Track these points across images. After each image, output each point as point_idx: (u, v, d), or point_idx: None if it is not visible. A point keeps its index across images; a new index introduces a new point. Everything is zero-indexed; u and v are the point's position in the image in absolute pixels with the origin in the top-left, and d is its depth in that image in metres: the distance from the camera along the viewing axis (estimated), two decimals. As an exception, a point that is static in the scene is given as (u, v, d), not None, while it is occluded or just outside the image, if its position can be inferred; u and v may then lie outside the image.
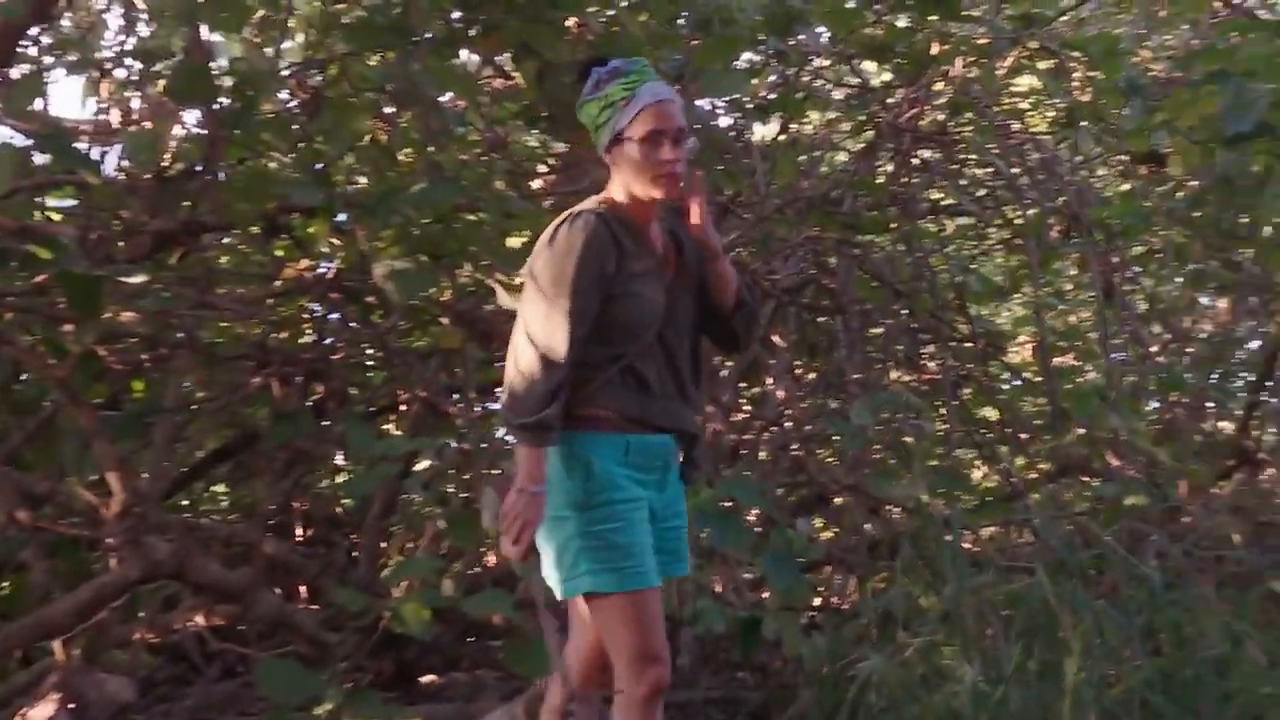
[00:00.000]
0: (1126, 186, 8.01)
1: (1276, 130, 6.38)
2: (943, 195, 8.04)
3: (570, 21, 6.29)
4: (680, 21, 6.14)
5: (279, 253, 6.64)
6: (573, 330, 3.87)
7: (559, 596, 4.02)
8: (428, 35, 5.87)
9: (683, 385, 4.08)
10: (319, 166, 6.05)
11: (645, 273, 3.98)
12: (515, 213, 5.97)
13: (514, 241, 7.11)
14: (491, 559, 6.75)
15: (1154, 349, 7.56)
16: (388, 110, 6.38)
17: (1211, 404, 7.47)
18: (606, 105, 3.94)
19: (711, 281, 4.15)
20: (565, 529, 3.94)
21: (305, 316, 6.73)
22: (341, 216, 6.05)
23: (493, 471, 6.16)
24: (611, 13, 6.15)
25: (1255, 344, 8.03)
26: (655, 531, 4.05)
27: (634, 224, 4.01)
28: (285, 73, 6.37)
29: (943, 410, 7.22)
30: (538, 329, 3.91)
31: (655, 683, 3.95)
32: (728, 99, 6.84)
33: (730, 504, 5.65)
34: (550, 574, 4.02)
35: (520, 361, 3.92)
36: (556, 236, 3.94)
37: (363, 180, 6.55)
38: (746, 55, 6.91)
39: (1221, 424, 7.98)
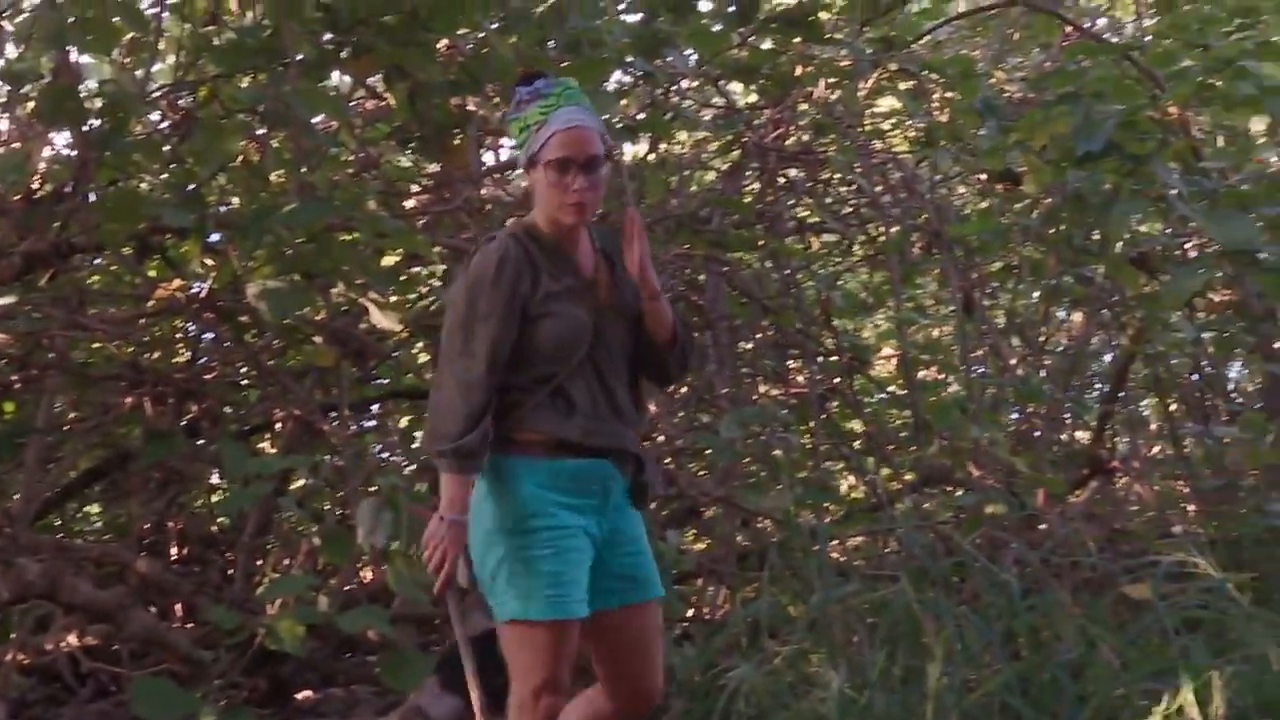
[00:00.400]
0: (984, 204, 8.23)
1: (1124, 150, 6.63)
2: (808, 213, 8.20)
3: (441, 43, 6.37)
4: (550, 44, 6.23)
5: (151, 273, 6.64)
6: (489, 355, 3.85)
7: (496, 621, 3.99)
8: (299, 57, 5.92)
9: (618, 407, 4.01)
10: (191, 187, 6.06)
11: (566, 293, 3.93)
12: (388, 232, 6.03)
13: (387, 260, 7.19)
14: (367, 575, 6.79)
15: (1012, 361, 7.76)
16: (259, 131, 6.39)
17: (1067, 414, 7.70)
18: (523, 127, 3.91)
19: (648, 320, 4.07)
20: (494, 554, 3.90)
21: (178, 336, 6.73)
22: (214, 236, 6.08)
23: (368, 489, 6.22)
24: (481, 35, 6.23)
25: (1108, 357, 8.28)
26: (606, 558, 4.00)
27: (555, 245, 3.95)
28: (156, 94, 6.38)
29: (810, 423, 7.37)
30: (454, 355, 3.89)
31: (547, 712, 3.91)
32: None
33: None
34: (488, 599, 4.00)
35: (440, 388, 3.91)
36: (471, 262, 3.94)
37: (235, 201, 6.57)
38: (616, 76, 7.04)
39: (1077, 434, 8.22)
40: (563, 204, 3.85)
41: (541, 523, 3.88)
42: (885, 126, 8.25)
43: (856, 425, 7.93)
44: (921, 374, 8.38)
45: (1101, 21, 9.06)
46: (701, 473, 7.66)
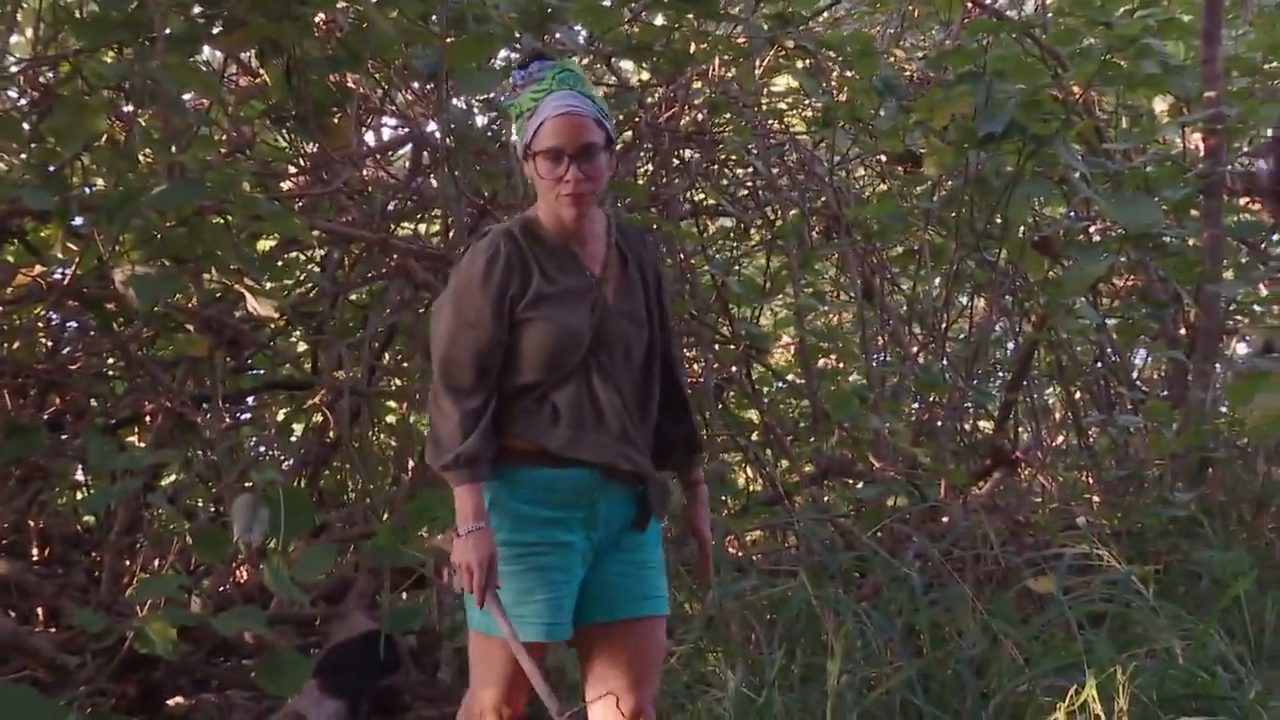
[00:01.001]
0: (884, 187, 8.22)
1: (1026, 130, 6.62)
2: (704, 196, 8.14)
3: (318, 18, 6.23)
4: (433, 18, 6.11)
5: (9, 258, 6.46)
6: (478, 362, 3.75)
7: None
8: (167, 31, 5.76)
9: (620, 417, 3.83)
10: (52, 168, 5.92)
11: (563, 295, 3.79)
12: (264, 215, 5.89)
13: (263, 245, 7.04)
14: (242, 574, 6.65)
15: (914, 349, 7.75)
16: (125, 109, 6.24)
17: (970, 404, 7.68)
18: (518, 115, 3.79)
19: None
20: None
21: (40, 325, 6.56)
22: (78, 220, 5.92)
23: (244, 484, 6.08)
24: (361, 9, 6.09)
25: (1011, 344, 8.29)
26: (602, 570, 3.88)
27: (557, 241, 3.82)
28: (14, 69, 6.21)
29: (706, 414, 7.31)
30: (443, 362, 3.79)
31: None
32: (483, 97, 6.83)
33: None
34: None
35: (435, 399, 3.81)
36: (460, 262, 3.84)
37: (100, 182, 6.40)
38: (503, 53, 6.92)
39: (980, 424, 8.22)
40: (558, 195, 3.72)
41: (514, 536, 3.78)
42: (782, 106, 8.20)
43: (754, 416, 7.86)
44: (821, 362, 8.36)
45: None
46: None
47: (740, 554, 6.81)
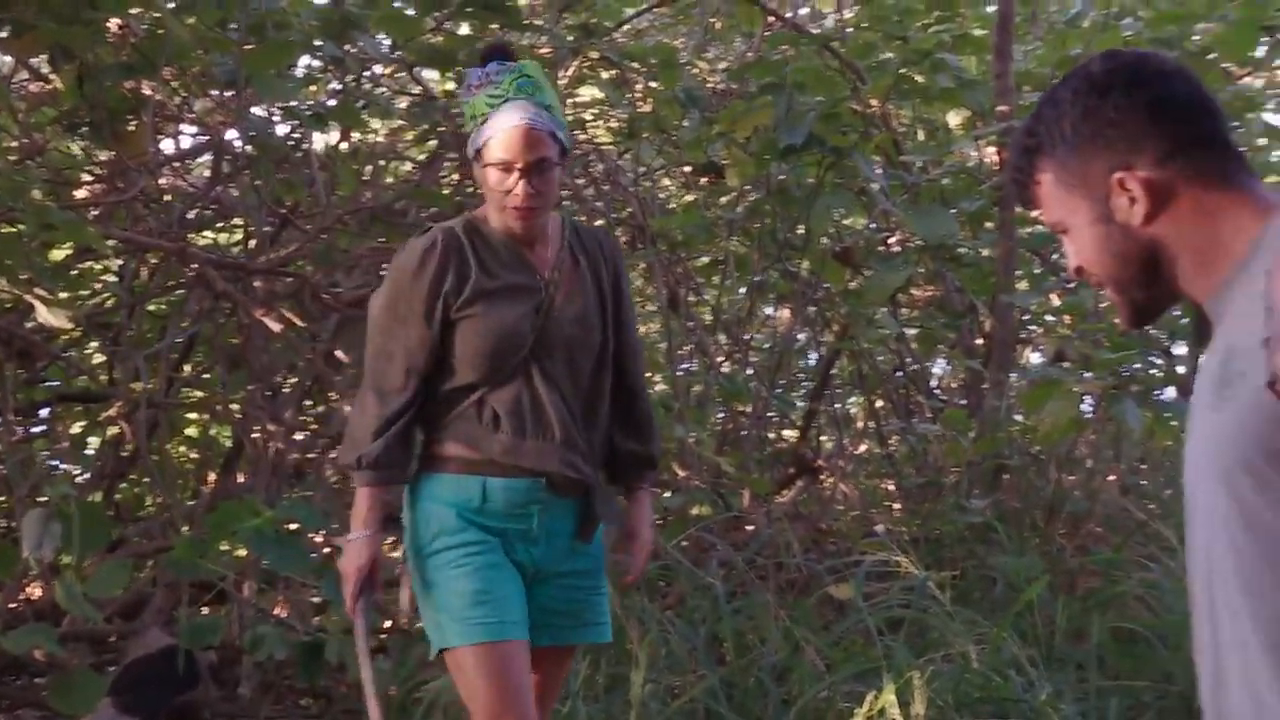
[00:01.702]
0: (689, 197, 8.32)
1: (826, 142, 6.77)
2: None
3: (112, 23, 6.15)
4: (232, 25, 6.06)
5: None
6: (406, 359, 3.66)
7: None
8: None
9: (564, 424, 3.71)
10: None
11: (504, 291, 3.69)
12: (56, 224, 5.79)
13: (56, 254, 6.92)
14: (34, 591, 6.52)
15: (719, 359, 7.86)
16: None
17: (774, 413, 7.82)
18: (471, 117, 3.69)
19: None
20: (415, 581, 3.75)
21: None
22: None
23: (36, 499, 5.98)
24: (157, 15, 6.03)
25: (815, 354, 8.44)
26: (537, 591, 3.77)
27: (505, 239, 3.71)
28: None
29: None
30: (371, 359, 3.71)
31: None
32: (284, 106, 6.79)
33: (295, 526, 5.61)
34: None
35: (359, 396, 3.74)
36: (398, 255, 3.75)
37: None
38: (305, 61, 6.89)
39: (784, 432, 8.36)
40: (504, 208, 3.63)
41: (453, 540, 3.67)
42: (587, 117, 8.27)
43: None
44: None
45: (804, 11, 9.23)
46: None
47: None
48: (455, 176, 7.71)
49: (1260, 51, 7.66)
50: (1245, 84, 8.54)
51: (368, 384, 3.71)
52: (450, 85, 7.52)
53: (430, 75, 7.73)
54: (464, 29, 7.13)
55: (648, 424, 4.01)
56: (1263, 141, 8.27)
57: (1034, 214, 7.87)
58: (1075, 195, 2.20)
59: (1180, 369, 7.28)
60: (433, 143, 7.54)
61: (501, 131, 3.58)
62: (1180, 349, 7.40)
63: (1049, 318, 8.37)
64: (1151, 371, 7.56)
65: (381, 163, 7.90)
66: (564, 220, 3.90)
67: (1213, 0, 7.45)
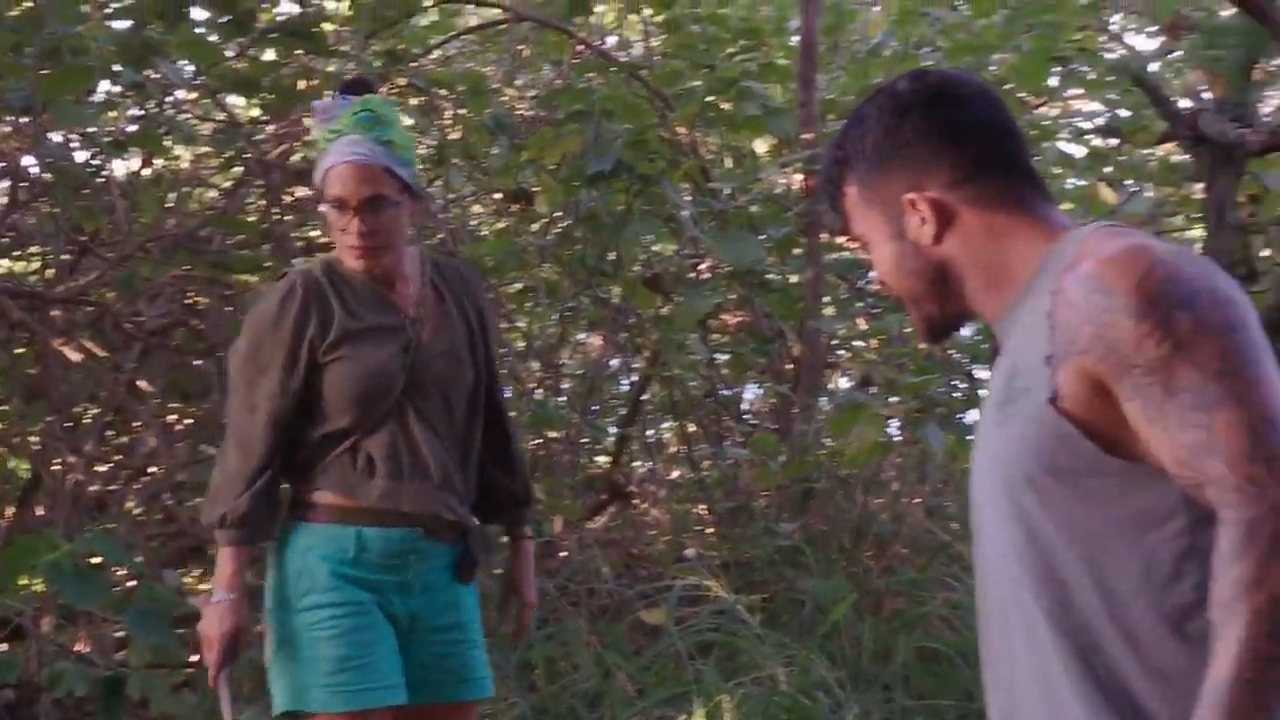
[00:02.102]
0: (500, 224, 8.33)
1: (634, 169, 6.84)
2: (318, 233, 8.10)
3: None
4: (26, 50, 5.95)
5: None
6: (270, 410, 3.55)
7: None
8: None
9: (441, 464, 3.65)
10: None
11: (370, 333, 3.62)
12: None
13: None
14: None
15: (531, 386, 7.87)
16: None
17: (586, 439, 7.86)
18: (318, 149, 3.63)
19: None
20: (272, 637, 3.63)
21: None
22: None
23: None
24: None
25: (627, 380, 8.48)
26: (414, 645, 3.68)
27: (362, 280, 3.64)
28: None
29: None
30: (233, 412, 3.60)
31: None
32: (83, 132, 6.67)
33: (97, 560, 5.52)
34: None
35: (222, 449, 3.62)
36: (256, 305, 3.66)
37: None
38: (105, 86, 6.79)
39: (596, 458, 8.39)
40: (343, 246, 3.57)
41: (324, 599, 3.57)
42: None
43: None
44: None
45: (612, 40, 9.30)
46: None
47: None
48: (262, 203, 7.63)
49: (1053, 81, 7.89)
50: (1041, 113, 8.80)
51: (230, 438, 3.61)
52: (255, 112, 7.47)
53: (235, 101, 7.67)
54: (269, 55, 7.08)
55: (520, 462, 3.99)
56: (1057, 170, 8.52)
57: (840, 240, 8.06)
58: (874, 211, 2.29)
59: (983, 392, 7.45)
60: (238, 169, 7.47)
61: (335, 167, 3.53)
62: (983, 372, 7.58)
63: (857, 342, 8.52)
64: (955, 395, 7.72)
65: (185, 190, 7.80)
66: (423, 256, 3.84)
67: (1006, 32, 7.66)
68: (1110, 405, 2.08)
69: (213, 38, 6.57)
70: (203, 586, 7.33)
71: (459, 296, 3.81)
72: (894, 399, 6.78)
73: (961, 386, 7.79)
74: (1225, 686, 1.94)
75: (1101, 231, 2.19)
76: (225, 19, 6.47)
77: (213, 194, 8.18)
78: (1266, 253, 9.18)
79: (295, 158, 7.38)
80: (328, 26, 7.12)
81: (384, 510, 3.60)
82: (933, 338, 2.38)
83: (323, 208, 3.62)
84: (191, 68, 6.90)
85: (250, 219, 7.36)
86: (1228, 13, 8.40)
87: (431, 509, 3.64)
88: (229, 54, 6.71)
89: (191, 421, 7.39)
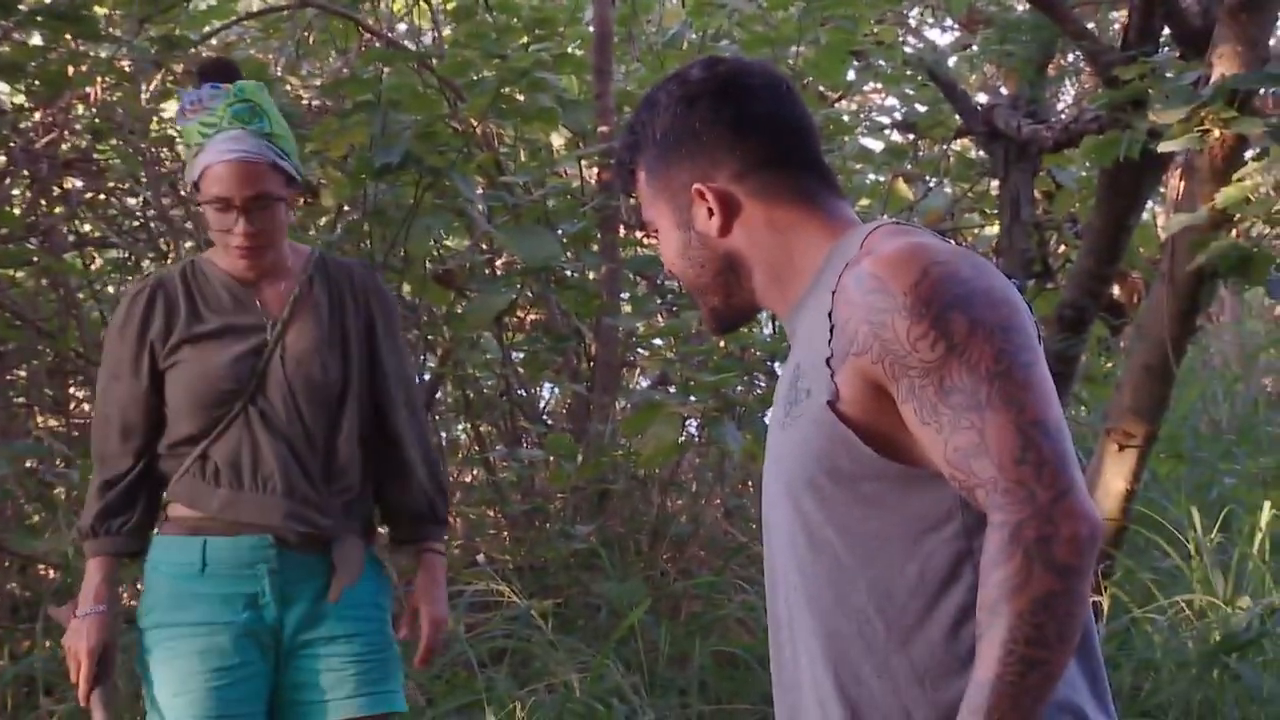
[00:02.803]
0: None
1: (424, 162, 6.74)
2: (91, 228, 7.89)
3: None
4: None
5: None
6: (120, 418, 3.47)
7: None
8: None
9: (287, 474, 3.51)
10: None
11: (217, 334, 3.52)
12: None
13: None
14: None
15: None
16: None
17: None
18: (186, 145, 3.50)
19: None
20: (137, 655, 3.56)
21: None
22: None
23: None
24: None
25: (419, 379, 8.38)
26: (288, 662, 3.56)
27: (228, 279, 3.55)
28: None
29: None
30: (94, 420, 3.54)
31: None
32: None
33: None
34: None
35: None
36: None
37: None
38: None
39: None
40: (228, 247, 3.47)
41: (163, 618, 3.50)
42: (173, 133, 8.01)
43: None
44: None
45: (401, 28, 9.19)
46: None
47: (134, 603, 6.62)
48: (27, 194, 7.37)
49: (851, 75, 7.95)
50: (840, 108, 8.86)
51: (94, 446, 3.56)
52: (20, 99, 7.20)
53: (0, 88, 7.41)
54: (36, 39, 6.85)
55: (419, 474, 3.78)
56: (857, 165, 8.58)
57: (638, 235, 8.03)
58: (661, 199, 2.30)
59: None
60: (1, 159, 7.20)
61: (217, 165, 3.43)
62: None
63: (655, 340, 8.50)
64: (754, 394, 7.74)
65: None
66: (313, 252, 3.73)
67: (803, 25, 7.68)
68: (888, 407, 2.08)
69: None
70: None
71: (340, 297, 3.66)
72: (692, 398, 6.76)
73: (761, 385, 7.80)
74: (987, 688, 1.96)
75: (884, 229, 2.20)
76: (-13, -1, 6.23)
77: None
78: (1061, 249, 9.34)
79: (64, 147, 7.15)
80: (99, 9, 6.88)
81: (227, 521, 3.51)
82: (719, 329, 2.39)
83: (202, 207, 3.54)
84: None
85: (16, 211, 7.10)
86: (1022, 8, 8.54)
87: (275, 521, 3.52)
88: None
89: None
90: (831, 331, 2.11)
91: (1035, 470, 1.99)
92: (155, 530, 3.61)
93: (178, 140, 7.88)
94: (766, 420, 7.02)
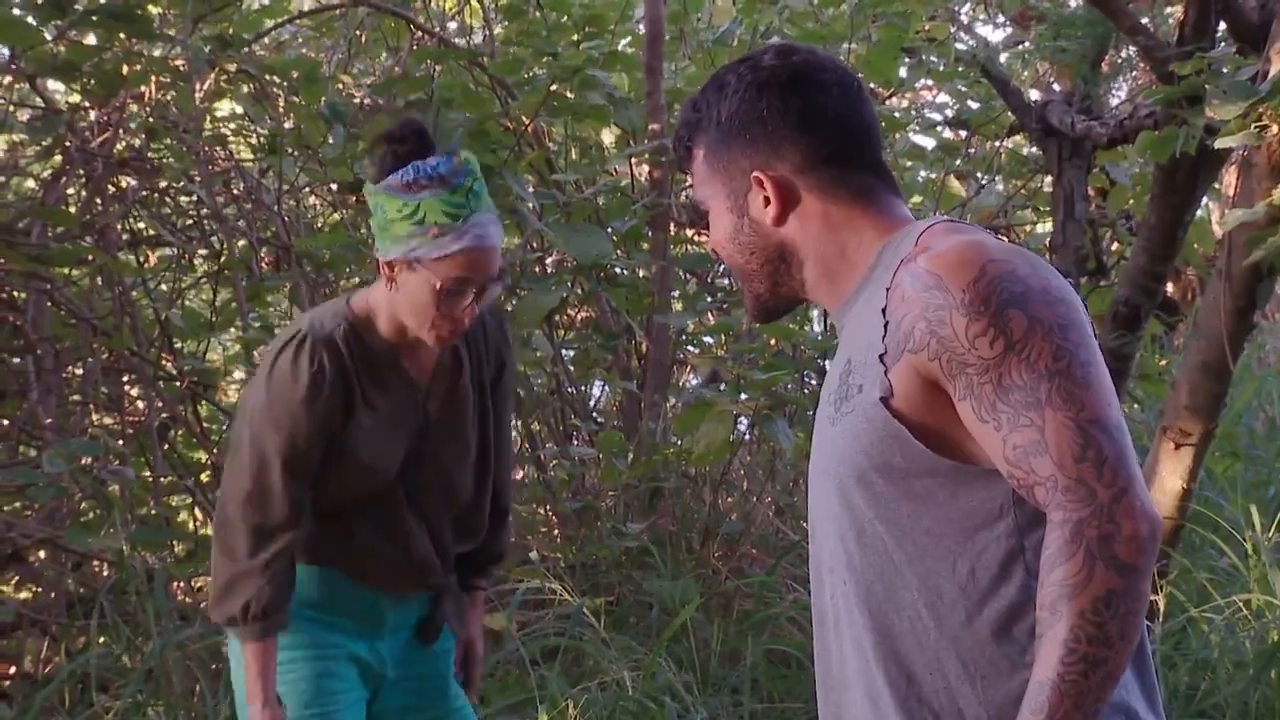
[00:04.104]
0: (336, 216, 8.21)
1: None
2: (143, 225, 7.94)
3: None
4: None
5: None
6: (297, 490, 3.41)
7: None
8: None
9: (424, 547, 3.59)
10: None
11: (382, 422, 3.49)
12: None
13: None
14: None
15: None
16: None
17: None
18: (414, 219, 3.27)
19: None
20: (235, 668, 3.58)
21: None
22: None
23: None
24: None
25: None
26: (395, 696, 3.65)
27: (385, 349, 3.50)
28: None
29: (149, 456, 7.11)
30: (254, 489, 3.39)
31: None
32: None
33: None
34: None
35: (228, 534, 3.42)
36: (272, 373, 3.41)
37: None
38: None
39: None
40: (432, 325, 3.38)
41: (290, 639, 3.51)
42: (227, 132, 8.08)
43: (202, 456, 7.71)
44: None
45: (452, 26, 9.22)
46: (27, 514, 7.25)
47: (186, 600, 6.69)
48: (82, 193, 7.43)
49: (903, 72, 7.94)
50: (892, 104, 8.86)
51: (241, 522, 3.39)
52: (76, 98, 7.26)
53: (54, 87, 7.47)
54: (91, 39, 6.91)
55: (506, 519, 3.87)
56: (908, 163, 8.57)
57: (689, 234, 8.04)
58: (718, 180, 2.31)
59: (830, 388, 7.47)
60: (58, 158, 7.27)
61: (468, 251, 3.30)
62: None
63: (706, 338, 8.52)
64: (805, 391, 7.75)
65: (0, 180, 7.60)
66: None
67: (855, 21, 7.69)
68: (943, 404, 2.10)
69: (30, 19, 6.38)
70: (21, 595, 7.16)
71: (477, 354, 3.66)
72: (743, 396, 6.77)
73: (811, 383, 7.81)
74: (1048, 688, 1.96)
75: (938, 227, 2.21)
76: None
77: (31, 184, 7.98)
78: (1115, 246, 9.31)
79: (119, 146, 7.21)
80: (153, 9, 6.94)
81: (353, 571, 3.55)
82: (761, 316, 2.41)
83: (415, 278, 3.34)
84: (6, 51, 6.72)
85: (71, 210, 7.17)
86: (1076, 3, 8.52)
87: (403, 588, 3.60)
88: (47, 36, 6.52)
89: (9, 421, 7.18)
90: (885, 328, 2.12)
91: (1096, 468, 1.99)
92: None
93: (230, 139, 8.02)
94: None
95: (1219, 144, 5.67)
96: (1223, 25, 6.62)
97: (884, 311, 2.13)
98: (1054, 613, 1.97)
